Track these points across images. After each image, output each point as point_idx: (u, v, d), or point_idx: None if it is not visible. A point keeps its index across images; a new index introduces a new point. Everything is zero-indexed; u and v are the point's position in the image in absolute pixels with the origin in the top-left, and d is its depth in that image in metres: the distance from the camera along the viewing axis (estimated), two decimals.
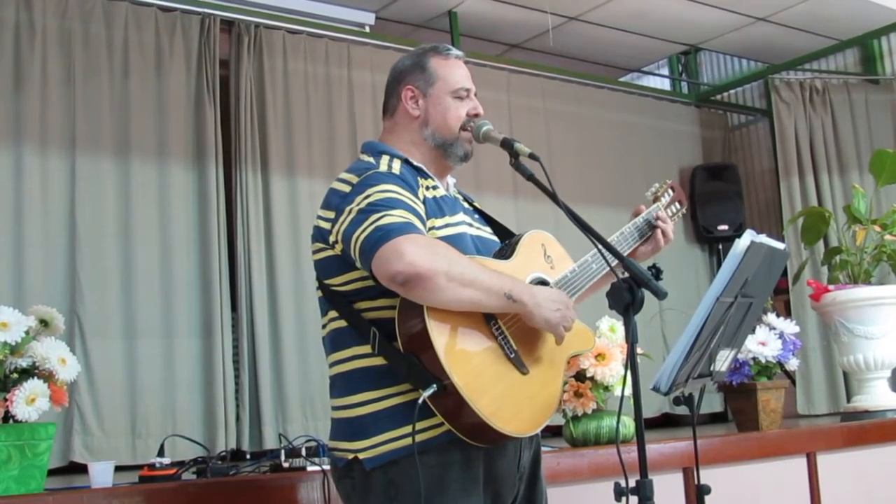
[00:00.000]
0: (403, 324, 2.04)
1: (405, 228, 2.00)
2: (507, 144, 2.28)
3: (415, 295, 1.99)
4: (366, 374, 2.13)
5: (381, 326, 2.09)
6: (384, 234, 1.99)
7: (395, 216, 2.03)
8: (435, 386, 1.97)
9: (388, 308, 2.09)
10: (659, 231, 2.57)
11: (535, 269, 2.27)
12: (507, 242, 2.35)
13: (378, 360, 2.10)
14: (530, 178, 2.22)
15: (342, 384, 2.18)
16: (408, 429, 2.00)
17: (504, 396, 2.06)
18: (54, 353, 2.54)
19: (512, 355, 2.11)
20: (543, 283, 2.27)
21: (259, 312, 5.16)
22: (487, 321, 2.10)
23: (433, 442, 2.04)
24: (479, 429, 2.00)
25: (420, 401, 1.97)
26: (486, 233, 2.38)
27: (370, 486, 2.10)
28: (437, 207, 2.21)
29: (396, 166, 2.20)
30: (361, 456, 2.10)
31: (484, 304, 2.05)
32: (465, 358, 2.03)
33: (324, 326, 2.25)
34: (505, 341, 2.11)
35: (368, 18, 6.05)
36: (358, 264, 2.08)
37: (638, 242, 2.56)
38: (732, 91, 7.88)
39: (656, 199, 2.68)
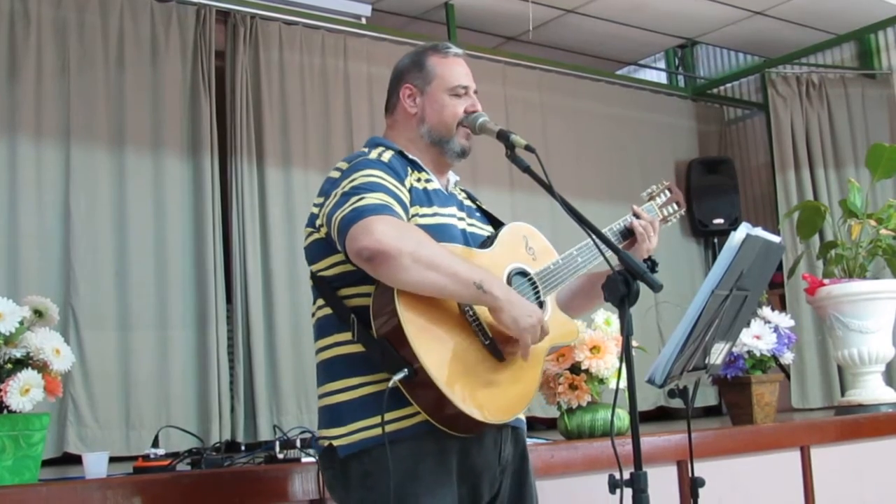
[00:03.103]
0: (376, 308, 2.06)
1: (379, 209, 2.03)
2: (503, 136, 2.29)
3: (379, 273, 2.00)
4: (345, 360, 2.15)
5: (360, 313, 2.11)
6: (358, 214, 2.02)
7: (372, 198, 2.05)
8: (406, 370, 1.97)
9: (368, 295, 2.10)
10: (639, 227, 2.51)
11: (515, 260, 2.27)
12: (489, 235, 2.35)
13: (358, 348, 2.12)
14: (526, 170, 2.22)
15: (324, 371, 2.21)
16: (381, 418, 2.01)
17: (478, 383, 2.06)
18: (48, 344, 2.54)
19: (487, 343, 2.11)
20: (523, 273, 2.28)
21: (254, 304, 5.15)
22: (462, 309, 2.10)
23: (406, 432, 2.06)
24: (451, 416, 2.01)
25: (391, 384, 1.97)
26: (486, 231, 2.38)
27: (348, 476, 2.12)
28: (425, 197, 2.23)
29: (386, 156, 2.23)
30: (336, 443, 2.12)
31: (450, 290, 2.04)
32: (437, 343, 2.03)
33: (313, 315, 2.27)
34: (480, 328, 2.11)
35: (365, 10, 6.04)
36: (338, 246, 2.10)
37: (622, 244, 2.51)
38: (729, 85, 7.87)
39: (651, 199, 2.66)
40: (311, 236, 2.24)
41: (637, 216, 2.54)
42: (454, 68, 2.38)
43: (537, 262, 2.32)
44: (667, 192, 2.70)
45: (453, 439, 2.09)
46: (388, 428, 2.00)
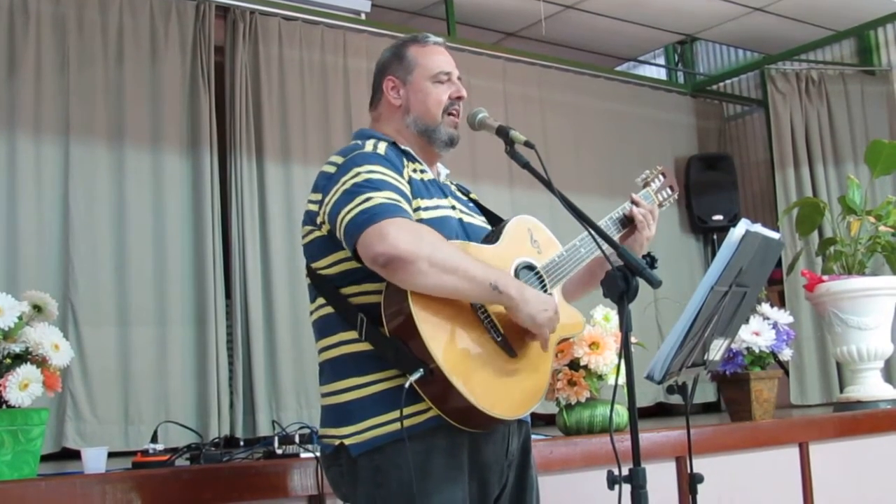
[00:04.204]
0: (389, 308, 2.05)
1: (391, 210, 2.01)
2: (502, 132, 2.28)
3: (396, 278, 2.00)
4: (352, 359, 2.13)
5: (367, 312, 2.09)
6: (370, 217, 2.00)
7: (380, 198, 2.03)
8: (422, 370, 1.97)
9: (374, 293, 2.09)
10: (639, 215, 2.50)
11: (521, 254, 2.27)
12: (493, 229, 2.34)
13: (364, 346, 2.11)
14: (525, 165, 2.22)
15: (329, 370, 2.19)
16: (392, 415, 2.01)
17: (491, 380, 2.06)
18: (48, 339, 2.53)
19: (499, 339, 2.11)
20: (530, 267, 2.28)
21: (253, 300, 5.16)
22: (474, 306, 2.10)
23: (418, 428, 2.04)
24: (466, 412, 2.01)
25: (407, 385, 1.97)
26: (479, 221, 2.37)
27: (357, 473, 2.11)
28: (423, 188, 2.22)
29: (382, 148, 2.20)
30: (347, 442, 2.10)
31: (467, 292, 2.05)
32: (451, 341, 2.03)
33: (311, 313, 2.25)
34: (492, 325, 2.11)
35: (364, 6, 6.03)
36: (344, 245, 2.08)
37: (621, 232, 2.52)
38: (728, 81, 7.88)
39: (646, 185, 2.66)
40: (311, 234, 2.21)
41: (636, 204, 2.53)
42: (435, 56, 2.36)
43: (542, 255, 2.32)
44: (661, 177, 2.68)
45: (464, 434, 2.09)
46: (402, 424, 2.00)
